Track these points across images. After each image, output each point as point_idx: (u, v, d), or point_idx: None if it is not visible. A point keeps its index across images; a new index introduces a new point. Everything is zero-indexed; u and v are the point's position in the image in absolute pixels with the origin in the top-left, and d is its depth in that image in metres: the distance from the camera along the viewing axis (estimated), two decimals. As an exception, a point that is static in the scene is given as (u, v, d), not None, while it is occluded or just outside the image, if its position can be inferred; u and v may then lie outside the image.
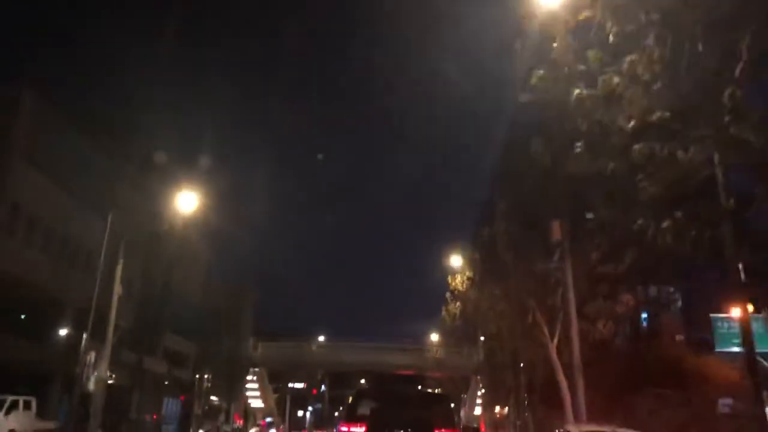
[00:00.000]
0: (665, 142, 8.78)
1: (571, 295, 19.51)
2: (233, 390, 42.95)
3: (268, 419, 45.60)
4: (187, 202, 23.46)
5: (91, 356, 22.62)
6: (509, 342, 26.78)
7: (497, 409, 44.73)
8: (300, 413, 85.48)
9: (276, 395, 61.20)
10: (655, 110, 8.39)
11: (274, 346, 46.98)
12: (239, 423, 44.82)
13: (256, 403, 50.89)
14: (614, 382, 25.61)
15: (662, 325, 30.19)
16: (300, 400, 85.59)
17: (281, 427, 54.14)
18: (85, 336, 23.10)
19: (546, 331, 21.20)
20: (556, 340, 21.29)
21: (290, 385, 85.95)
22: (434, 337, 49.35)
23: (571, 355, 19.46)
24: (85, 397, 25.00)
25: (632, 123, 8.91)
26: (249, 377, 46.61)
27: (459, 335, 33.73)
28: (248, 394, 49.77)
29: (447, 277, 32.74)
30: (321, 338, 48.76)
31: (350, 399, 12.70)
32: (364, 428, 10.08)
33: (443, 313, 32.71)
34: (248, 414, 51.98)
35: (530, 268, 20.66)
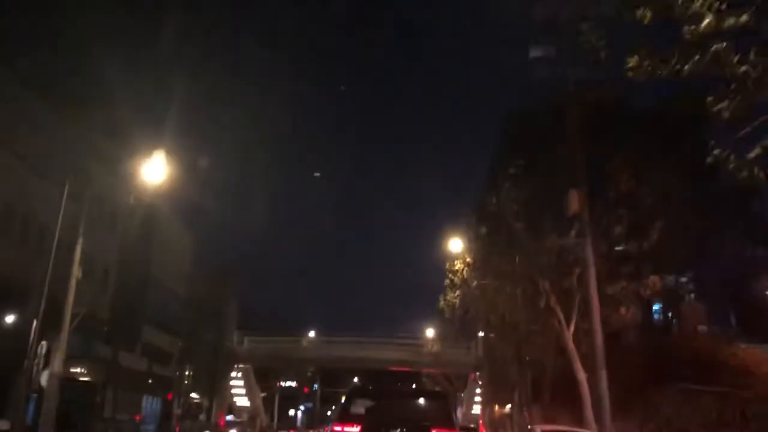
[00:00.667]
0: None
1: (593, 275, 16.90)
2: (216, 387, 40.17)
3: (229, 417, 42.44)
4: (155, 171, 20.69)
5: (42, 347, 19.73)
6: (515, 332, 24.22)
7: (496, 408, 42.12)
8: (291, 412, 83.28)
9: (264, 394, 58.49)
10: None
11: (260, 341, 44.20)
12: (221, 425, 42.07)
13: (242, 402, 48.09)
14: (632, 376, 23.05)
15: (682, 314, 27.63)
16: (291, 399, 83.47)
17: (263, 426, 51.38)
18: (35, 324, 20.20)
19: (561, 317, 18.60)
20: (572, 328, 18.69)
21: (281, 383, 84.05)
22: (430, 332, 46.63)
23: (591, 345, 16.95)
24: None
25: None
26: (233, 374, 43.80)
27: (458, 328, 31.09)
28: (233, 392, 46.97)
29: (445, 264, 30.14)
30: (311, 334, 46.02)
31: (343, 397, 12.08)
32: (358, 428, 9.51)
33: (441, 303, 30.09)
34: (234, 413, 49.18)
35: (543, 243, 18.04)
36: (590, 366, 18.56)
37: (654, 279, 18.79)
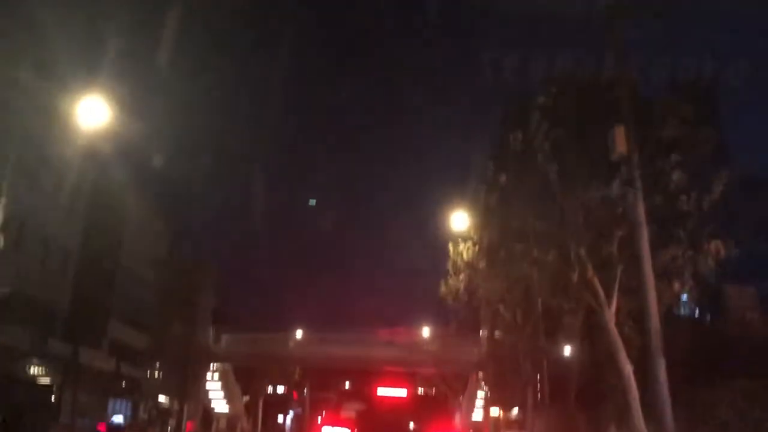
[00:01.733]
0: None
1: (645, 236, 13.01)
2: (187, 389, 35.93)
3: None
4: (91, 114, 16.69)
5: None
6: (531, 315, 20.36)
7: (497, 412, 38.08)
8: (280, 419, 79.53)
9: (247, 398, 54.16)
10: None
11: (240, 339, 40.01)
12: (195, 430, 37.75)
13: (220, 407, 43.80)
14: (674, 370, 19.18)
15: (727, 298, 23.70)
16: (280, 405, 79.19)
17: None
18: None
19: (601, 292, 14.58)
20: (614, 307, 14.67)
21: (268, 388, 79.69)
22: (426, 332, 42.37)
23: (641, 329, 13.18)
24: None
25: None
26: (209, 375, 39.54)
27: (462, 317, 27.09)
28: (210, 395, 42.69)
29: (448, 245, 26.06)
30: (299, 333, 41.73)
31: (333, 400, 12.10)
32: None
33: (442, 289, 26.03)
34: (211, 419, 44.87)
35: (580, 196, 14.04)
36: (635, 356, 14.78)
37: (716, 244, 14.79)
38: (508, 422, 36.06)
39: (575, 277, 15.00)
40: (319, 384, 71.55)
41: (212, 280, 40.13)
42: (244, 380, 47.71)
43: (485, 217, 16.26)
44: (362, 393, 12.27)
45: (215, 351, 38.64)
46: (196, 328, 37.59)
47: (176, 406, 35.96)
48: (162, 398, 36.92)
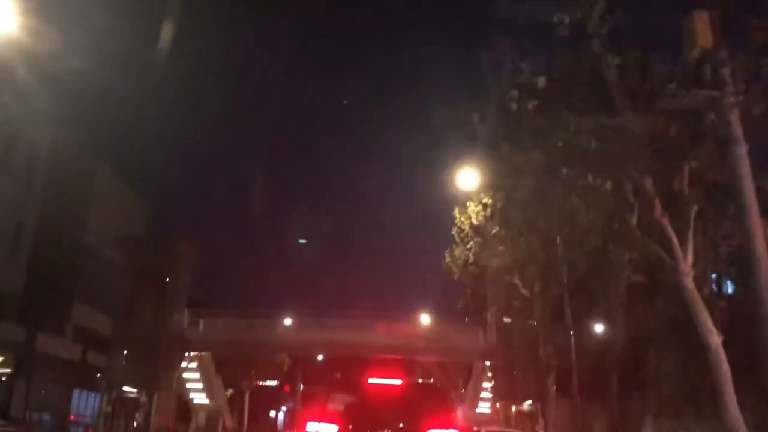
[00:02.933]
0: None
1: (744, 156, 9.24)
2: (157, 379, 31.98)
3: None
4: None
5: None
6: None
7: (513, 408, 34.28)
8: (272, 414, 76.06)
9: (231, 391, 50.17)
10: None
11: (220, 324, 36.01)
12: (169, 426, 33.76)
13: (200, 398, 39.84)
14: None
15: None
16: (271, 399, 75.55)
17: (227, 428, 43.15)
18: None
19: (674, 236, 10.71)
20: (690, 257, 10.79)
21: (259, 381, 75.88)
22: (426, 319, 38.31)
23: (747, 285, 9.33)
24: None
25: None
26: (185, 364, 35.54)
27: (467, 296, 23.20)
28: (188, 386, 38.71)
29: (454, 210, 22.25)
30: (287, 321, 37.59)
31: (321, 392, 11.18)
32: (337, 428, 8.15)
33: (447, 259, 22.24)
34: (189, 413, 40.91)
35: (650, 106, 10.17)
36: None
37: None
38: (520, 416, 32.27)
39: (634, 219, 11.10)
40: (314, 375, 67.91)
41: (188, 259, 36.11)
42: (226, 371, 43.75)
43: (512, 138, 12.15)
44: (352, 383, 10.77)
45: (191, 337, 34.66)
46: (168, 311, 33.62)
47: (144, 398, 32.06)
48: (130, 389, 32.92)
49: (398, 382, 9.27)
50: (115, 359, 31.44)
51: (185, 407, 41.03)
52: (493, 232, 20.94)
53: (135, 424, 31.89)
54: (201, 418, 39.97)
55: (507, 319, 30.94)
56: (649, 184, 10.58)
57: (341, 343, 35.33)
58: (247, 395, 49.94)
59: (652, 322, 16.28)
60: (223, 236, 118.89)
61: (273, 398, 74.13)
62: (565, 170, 10.74)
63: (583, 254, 16.74)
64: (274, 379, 75.44)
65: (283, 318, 36.90)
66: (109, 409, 31.64)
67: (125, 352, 32.39)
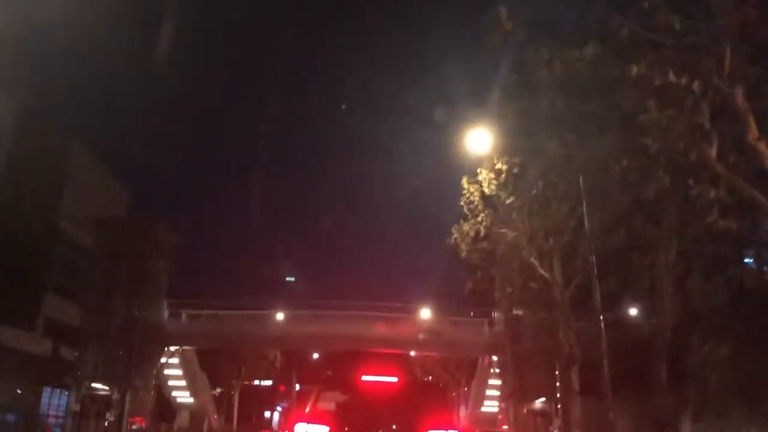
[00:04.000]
0: None
1: None
2: (131, 376, 29.09)
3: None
4: None
5: None
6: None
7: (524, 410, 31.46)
8: (267, 414, 73.66)
9: (219, 390, 47.32)
10: None
11: (204, 316, 33.10)
12: (142, 424, 30.80)
13: (183, 397, 36.98)
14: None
15: None
16: (265, 399, 73.04)
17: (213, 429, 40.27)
18: None
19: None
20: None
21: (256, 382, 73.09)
22: (426, 313, 35.33)
23: None
24: None
25: None
26: (165, 359, 32.63)
27: (477, 279, 20.39)
28: (170, 383, 35.85)
29: (462, 180, 19.41)
30: (279, 316, 34.56)
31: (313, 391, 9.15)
32: (327, 429, 7.61)
33: (454, 236, 19.44)
34: (172, 413, 38.01)
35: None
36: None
37: None
38: (531, 416, 29.49)
39: (713, 150, 8.28)
40: (309, 374, 65.16)
41: (168, 245, 33.19)
42: (213, 367, 40.93)
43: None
44: (344, 381, 9.70)
45: (172, 330, 31.81)
46: (146, 301, 30.73)
47: (117, 396, 29.14)
48: (101, 386, 29.94)
49: (394, 379, 8.62)
50: (85, 353, 28.50)
51: (167, 406, 38.21)
52: (508, 201, 18.18)
53: (106, 423, 28.98)
54: (184, 418, 37.07)
55: (517, 311, 28.22)
56: (740, 96, 7.77)
57: (335, 336, 32.51)
58: (236, 394, 47.08)
59: (704, 300, 13.56)
60: (210, 224, 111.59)
61: (268, 398, 71.84)
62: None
63: (616, 219, 14.09)
64: (268, 379, 73.22)
65: (273, 310, 33.97)
66: (78, 407, 28.67)
67: (97, 345, 29.43)
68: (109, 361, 29.27)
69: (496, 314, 31.40)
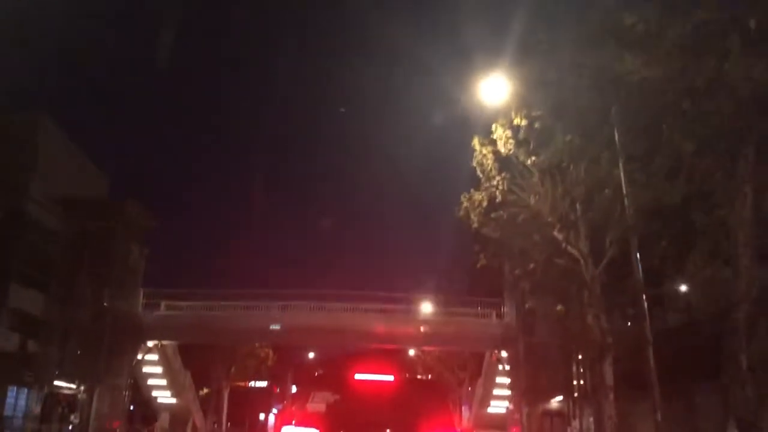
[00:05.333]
0: None
1: None
2: (99, 371, 26.19)
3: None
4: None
5: None
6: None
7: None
8: (262, 416, 71.13)
9: (205, 390, 44.37)
10: None
11: (186, 308, 30.13)
12: (113, 427, 27.70)
13: (164, 397, 34.02)
14: None
15: None
16: (259, 400, 70.24)
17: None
18: None
19: None
20: None
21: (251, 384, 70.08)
22: (427, 308, 32.36)
23: None
24: None
25: None
26: (141, 356, 29.65)
27: (489, 255, 17.49)
28: (150, 382, 32.91)
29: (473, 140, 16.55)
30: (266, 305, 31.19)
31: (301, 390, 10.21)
32: None
33: (464, 205, 16.62)
34: (153, 415, 35.08)
35: None
36: None
37: None
38: (548, 417, 26.68)
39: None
40: (307, 374, 62.21)
41: (145, 230, 30.25)
42: (198, 365, 38.02)
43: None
44: (335, 380, 8.83)
45: (148, 323, 28.90)
46: (119, 290, 27.86)
47: (84, 395, 26.18)
48: (66, 385, 26.92)
49: (389, 378, 8.04)
50: (48, 347, 25.57)
51: (148, 407, 35.30)
52: (529, 161, 15.35)
53: (70, 427, 26.02)
54: (164, 419, 34.10)
55: (532, 298, 25.42)
56: None
57: (329, 330, 29.57)
58: (225, 395, 44.09)
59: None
60: (195, 209, 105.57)
61: (263, 400, 69.08)
62: None
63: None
64: (263, 380, 70.30)
65: (262, 302, 30.93)
66: (39, 408, 25.72)
67: (62, 338, 26.49)
68: (76, 357, 26.35)
69: (506, 304, 28.52)
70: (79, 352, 26.24)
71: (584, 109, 14.07)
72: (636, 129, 11.45)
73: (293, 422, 7.71)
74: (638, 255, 14.02)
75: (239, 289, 30.96)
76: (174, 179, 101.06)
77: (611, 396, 15.03)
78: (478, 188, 16.87)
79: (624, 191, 12.99)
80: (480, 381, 34.56)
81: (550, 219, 15.45)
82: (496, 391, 32.49)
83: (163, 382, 32.94)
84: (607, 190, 13.67)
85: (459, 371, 42.76)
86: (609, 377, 15.13)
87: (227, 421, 60.56)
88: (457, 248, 27.59)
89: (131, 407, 38.54)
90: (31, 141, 30.12)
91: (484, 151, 16.47)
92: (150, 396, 33.90)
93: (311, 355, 63.77)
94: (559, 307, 16.43)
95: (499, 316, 28.84)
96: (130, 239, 29.28)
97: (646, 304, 13.87)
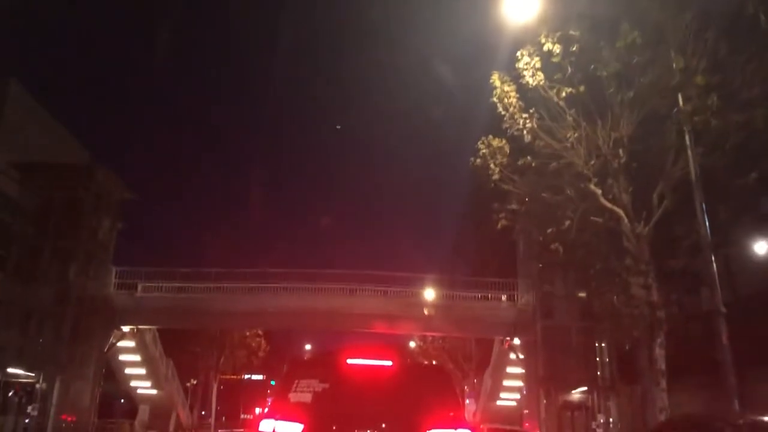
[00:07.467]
0: None
1: None
2: (60, 358, 23.34)
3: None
4: None
5: None
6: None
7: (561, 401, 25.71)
8: (258, 410, 69.17)
9: (194, 381, 41.64)
10: None
11: (166, 290, 27.23)
12: (71, 420, 24.71)
13: (144, 388, 31.19)
14: None
15: None
16: (256, 393, 68.06)
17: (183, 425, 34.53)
18: None
19: None
20: None
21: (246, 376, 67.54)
22: (429, 294, 29.42)
23: None
24: None
25: None
26: (115, 341, 26.79)
27: (511, 217, 14.55)
28: (128, 372, 30.09)
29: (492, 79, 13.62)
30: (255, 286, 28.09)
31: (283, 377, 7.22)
32: (301, 427, 6.07)
33: (482, 150, 13.74)
34: (136, 405, 32.26)
35: None
36: None
37: None
38: (568, 409, 23.87)
39: None
40: (303, 367, 59.56)
41: (118, 201, 27.33)
42: (183, 354, 35.28)
43: None
44: (324, 364, 7.22)
45: (122, 305, 26.07)
46: (86, 267, 25.04)
47: (43, 385, 23.29)
48: (24, 372, 24.02)
49: (388, 363, 6.56)
50: (5, 331, 22.66)
51: (128, 399, 32.53)
52: (564, 94, 12.44)
53: (27, 420, 23.16)
54: (143, 412, 31.28)
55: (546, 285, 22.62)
56: None
57: (322, 313, 26.77)
58: (214, 386, 41.31)
59: None
60: (181, 185, 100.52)
61: (261, 393, 66.86)
62: None
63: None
64: (258, 373, 67.90)
65: (249, 282, 27.99)
66: (-8, 399, 22.91)
67: (21, 320, 23.64)
68: (37, 341, 23.53)
69: (520, 286, 25.62)
70: (39, 337, 23.40)
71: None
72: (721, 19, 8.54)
73: (276, 416, 6.44)
74: (704, 205, 11.30)
75: (225, 268, 28.00)
76: (159, 153, 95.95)
77: (664, 383, 12.16)
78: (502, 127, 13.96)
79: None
80: (488, 371, 31.73)
81: (585, 171, 12.60)
82: (506, 382, 29.67)
83: (142, 371, 30.09)
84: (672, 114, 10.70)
85: (464, 362, 40.17)
86: (661, 360, 12.25)
87: (222, 415, 58.06)
88: (467, 219, 24.59)
89: (122, 400, 35.95)
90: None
91: (506, 88, 13.59)
92: (128, 387, 31.08)
93: (308, 346, 61.00)
94: (596, 267, 13.43)
95: (512, 298, 25.97)
96: (101, 211, 26.37)
97: (715, 265, 11.09)
